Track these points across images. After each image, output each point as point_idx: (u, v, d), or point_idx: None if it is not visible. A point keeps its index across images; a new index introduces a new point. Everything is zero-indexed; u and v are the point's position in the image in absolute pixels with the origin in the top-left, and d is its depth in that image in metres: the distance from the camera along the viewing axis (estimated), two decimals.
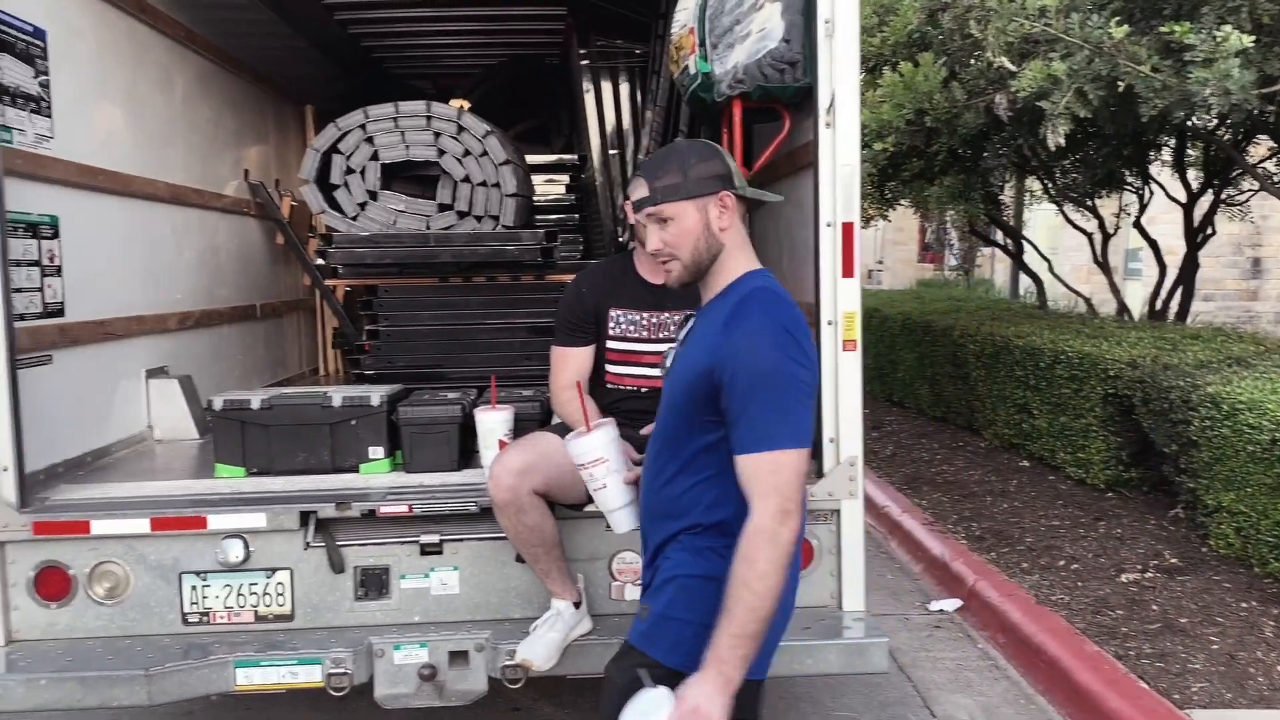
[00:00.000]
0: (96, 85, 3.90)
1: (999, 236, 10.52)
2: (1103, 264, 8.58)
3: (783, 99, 3.70)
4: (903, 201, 9.56)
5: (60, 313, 3.53)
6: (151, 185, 4.27)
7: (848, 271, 3.20)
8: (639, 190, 2.15)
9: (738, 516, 1.99)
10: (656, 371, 3.18)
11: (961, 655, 4.41)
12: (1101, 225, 8.57)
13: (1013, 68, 4.85)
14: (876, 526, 6.22)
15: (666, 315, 3.18)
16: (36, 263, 3.38)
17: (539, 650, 2.96)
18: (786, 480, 1.94)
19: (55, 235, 3.50)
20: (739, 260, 2.14)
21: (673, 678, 2.02)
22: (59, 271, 3.52)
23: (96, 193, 3.83)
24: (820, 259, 3.21)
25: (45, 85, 3.48)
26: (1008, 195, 10.14)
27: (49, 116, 3.50)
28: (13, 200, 3.12)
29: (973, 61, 5.62)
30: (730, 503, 2.03)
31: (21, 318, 3.21)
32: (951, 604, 4.93)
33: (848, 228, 3.19)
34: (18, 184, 3.21)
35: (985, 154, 6.64)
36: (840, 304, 3.20)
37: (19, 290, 3.20)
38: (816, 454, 3.29)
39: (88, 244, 3.73)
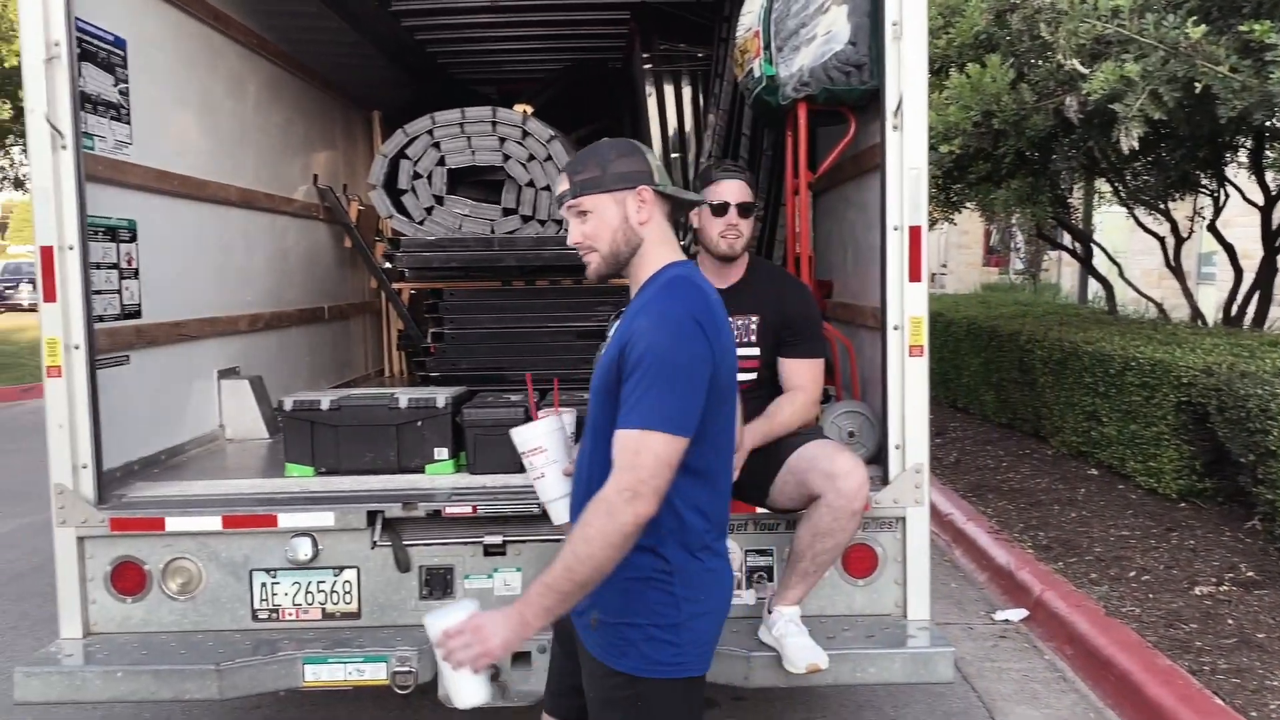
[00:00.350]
0: (172, 92, 3.99)
1: (1067, 240, 10.33)
2: (1175, 268, 8.38)
3: (848, 101, 3.67)
4: (968, 204, 9.43)
5: (137, 314, 3.62)
6: (224, 190, 4.37)
7: (914, 276, 3.17)
8: (561, 185, 2.21)
9: (664, 513, 1.99)
10: None
11: (1028, 666, 4.33)
12: (1174, 229, 8.37)
13: (1084, 70, 4.76)
14: (940, 534, 6.14)
15: (731, 320, 3.16)
16: (115, 265, 3.47)
17: None
18: (645, 462, 1.91)
19: (133, 239, 3.59)
20: (660, 253, 2.17)
21: (632, 684, 2.04)
22: (136, 274, 3.61)
23: (172, 197, 3.93)
24: (886, 263, 3.18)
25: (124, 93, 3.57)
26: (1076, 198, 9.94)
27: (128, 123, 3.59)
28: (93, 205, 3.21)
29: (1041, 63, 5.52)
30: None
31: (101, 319, 3.30)
32: (1017, 614, 4.84)
33: (915, 231, 3.16)
34: (98, 189, 3.30)
35: (1054, 156, 6.52)
36: (907, 308, 3.16)
37: (98, 292, 3.29)
38: (881, 460, 3.26)
39: (163, 247, 3.82)
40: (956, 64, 6.19)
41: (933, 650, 3.07)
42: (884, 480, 3.22)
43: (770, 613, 3.05)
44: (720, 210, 3.12)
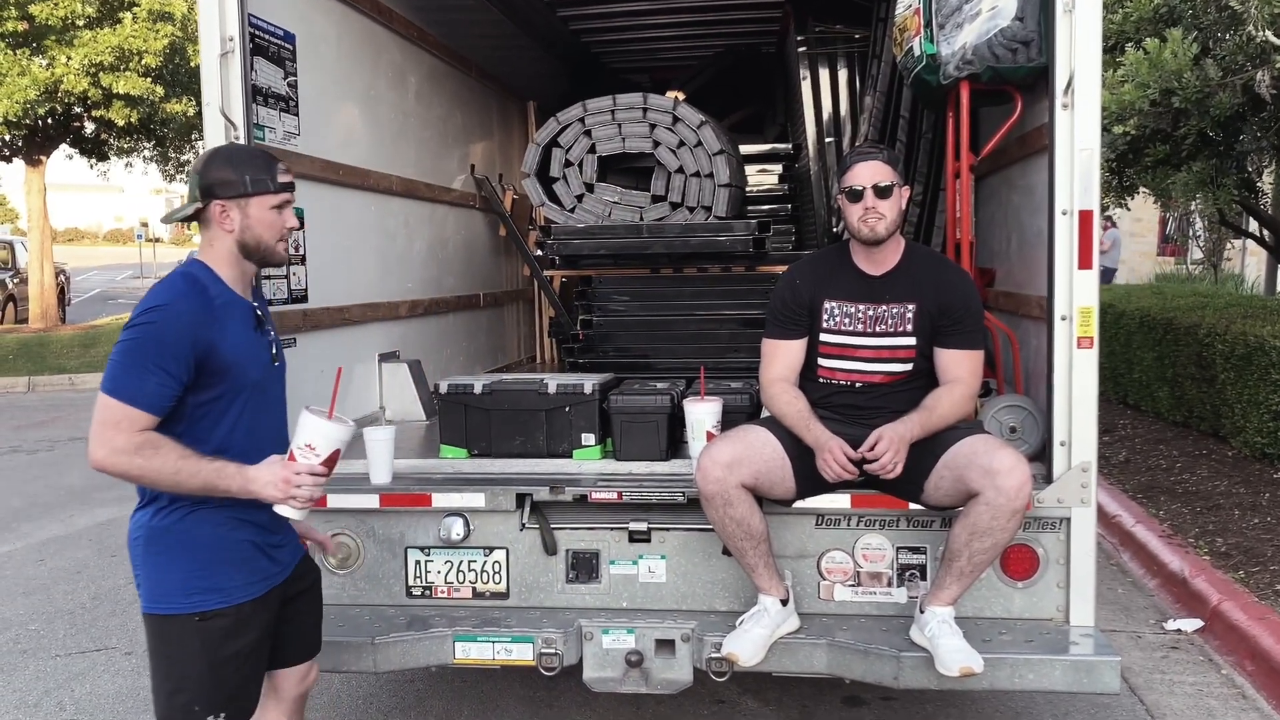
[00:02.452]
0: (338, 84, 4.14)
1: (1254, 227, 9.63)
2: None
3: (1014, 80, 3.50)
4: (1142, 189, 8.89)
5: (304, 299, 3.77)
6: (386, 180, 4.50)
7: (1084, 263, 2.99)
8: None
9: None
10: (872, 366, 3.08)
11: (1202, 680, 4.06)
12: None
13: (1278, 42, 4.40)
14: (1107, 537, 5.83)
15: (885, 308, 3.07)
16: None
17: (745, 645, 2.92)
18: None
19: (300, 226, 3.74)
20: None
21: None
22: (304, 260, 3.76)
23: (337, 186, 4.07)
24: (1055, 249, 3.01)
25: (293, 85, 3.72)
26: (1265, 182, 9.24)
27: (296, 115, 3.74)
28: None
29: (1229, 37, 5.14)
30: None
31: (270, 303, 3.44)
32: (1191, 624, 4.55)
33: (1085, 216, 2.99)
34: None
35: (1242, 137, 6.07)
36: (1076, 298, 3.00)
37: (268, 277, 3.44)
38: (1045, 457, 3.10)
39: (328, 235, 3.97)
40: (1133, 40, 5.84)
41: (1097, 658, 2.90)
42: (1047, 478, 3.06)
43: (922, 612, 2.94)
44: (855, 196, 3.01)
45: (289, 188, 2.41)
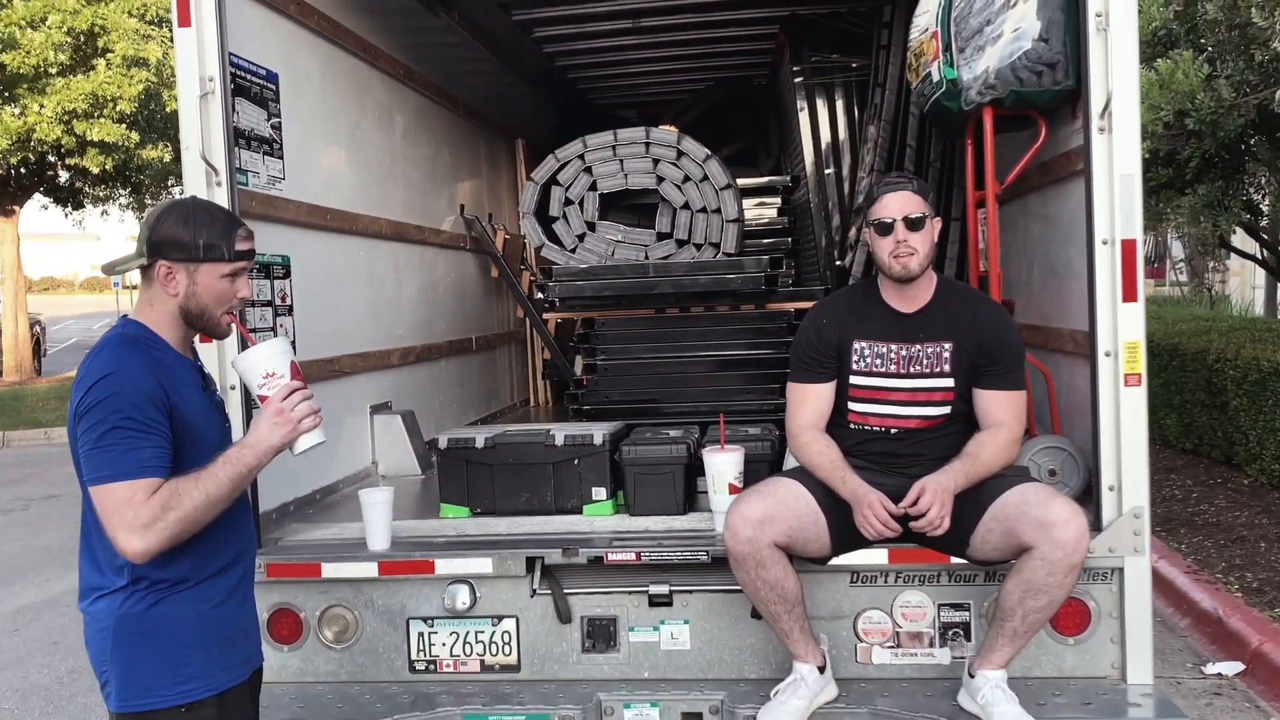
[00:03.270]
0: (323, 125, 3.93)
1: (1246, 248, 9.54)
2: None
3: (1038, 104, 3.34)
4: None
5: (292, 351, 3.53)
6: (375, 223, 4.29)
7: (1129, 295, 2.82)
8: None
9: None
10: (907, 410, 2.87)
11: None
12: None
13: None
14: None
15: (919, 347, 2.87)
16: (270, 302, 3.40)
17: (782, 718, 2.69)
18: None
19: (287, 275, 3.52)
20: None
21: None
22: (290, 310, 3.54)
23: (324, 232, 3.86)
24: (1095, 281, 2.83)
25: (277, 127, 3.51)
26: (1264, 204, 9.15)
27: (280, 158, 3.53)
28: None
29: (1239, 59, 5.01)
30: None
31: None
32: (1232, 667, 4.34)
33: (1128, 245, 2.82)
34: (252, 225, 3.19)
35: (1248, 159, 5.95)
36: (1121, 332, 2.81)
37: (254, 330, 3.21)
38: (1091, 503, 2.90)
39: (316, 283, 3.75)
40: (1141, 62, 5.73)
41: None
42: (1096, 526, 2.86)
43: (972, 676, 2.72)
44: (884, 229, 2.82)
45: (247, 255, 2.17)
